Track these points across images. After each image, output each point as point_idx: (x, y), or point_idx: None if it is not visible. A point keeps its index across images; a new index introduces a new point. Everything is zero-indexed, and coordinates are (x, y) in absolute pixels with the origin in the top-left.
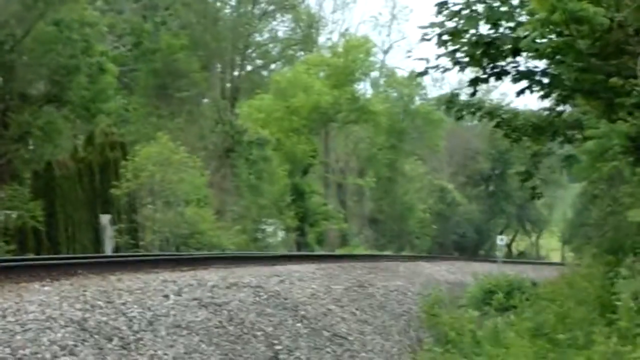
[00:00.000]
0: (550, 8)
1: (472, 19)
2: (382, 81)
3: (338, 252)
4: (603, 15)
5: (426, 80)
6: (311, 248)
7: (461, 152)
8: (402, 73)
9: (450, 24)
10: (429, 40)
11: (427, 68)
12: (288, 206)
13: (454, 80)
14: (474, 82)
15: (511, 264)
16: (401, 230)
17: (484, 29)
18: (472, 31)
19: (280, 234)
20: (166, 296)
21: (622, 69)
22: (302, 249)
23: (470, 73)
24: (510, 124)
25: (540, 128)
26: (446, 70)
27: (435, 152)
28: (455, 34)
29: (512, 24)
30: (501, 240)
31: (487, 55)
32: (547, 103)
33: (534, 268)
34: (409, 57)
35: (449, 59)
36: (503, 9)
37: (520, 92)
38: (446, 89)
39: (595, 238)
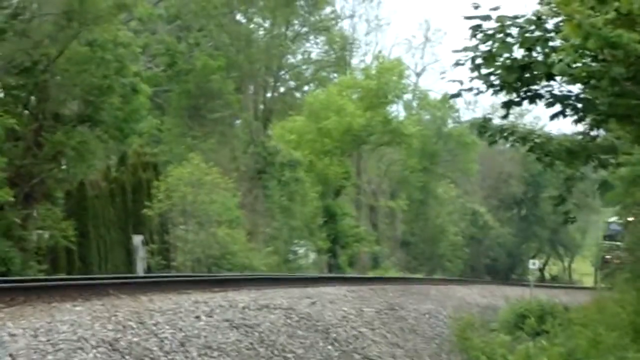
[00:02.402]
0: (584, 34)
1: (506, 44)
2: (414, 104)
3: (370, 274)
4: (637, 41)
5: (459, 102)
6: (343, 270)
7: (494, 176)
8: (435, 95)
9: (484, 47)
10: (462, 64)
11: (460, 90)
12: (320, 228)
13: (487, 102)
14: (507, 105)
15: (543, 288)
16: (433, 253)
17: (518, 53)
18: (506, 55)
19: (312, 256)
20: (197, 317)
21: None
22: (334, 271)
23: (503, 96)
24: (543, 148)
25: (574, 152)
26: (479, 92)
27: (468, 175)
28: (488, 58)
29: (546, 49)
30: (533, 264)
31: (520, 79)
32: (580, 127)
33: (567, 292)
34: (442, 78)
35: (482, 82)
36: (537, 33)
37: (554, 116)
38: (479, 112)
39: (629, 263)
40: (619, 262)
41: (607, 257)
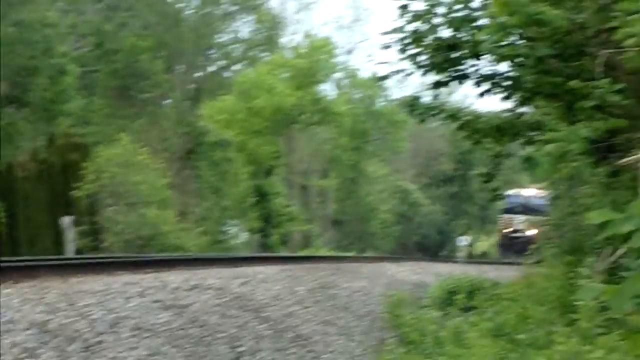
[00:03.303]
0: (510, 12)
1: (433, 25)
2: (345, 82)
3: (301, 253)
4: (563, 18)
5: (389, 81)
6: (274, 249)
7: (424, 154)
8: (365, 74)
9: (412, 27)
10: (389, 47)
11: (389, 73)
12: (251, 208)
13: (418, 80)
14: (436, 85)
15: (473, 265)
16: (364, 232)
17: (445, 32)
18: (433, 35)
19: (244, 236)
20: (128, 298)
21: (582, 71)
22: (266, 251)
23: (432, 76)
24: (472, 126)
25: (502, 130)
26: (408, 74)
27: (398, 154)
28: (416, 38)
29: (473, 28)
30: (463, 241)
31: (448, 60)
32: (508, 105)
33: (496, 268)
34: (370, 61)
35: (410, 62)
36: (463, 12)
37: (482, 94)
38: (409, 90)
39: (556, 238)
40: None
41: (506, 231)
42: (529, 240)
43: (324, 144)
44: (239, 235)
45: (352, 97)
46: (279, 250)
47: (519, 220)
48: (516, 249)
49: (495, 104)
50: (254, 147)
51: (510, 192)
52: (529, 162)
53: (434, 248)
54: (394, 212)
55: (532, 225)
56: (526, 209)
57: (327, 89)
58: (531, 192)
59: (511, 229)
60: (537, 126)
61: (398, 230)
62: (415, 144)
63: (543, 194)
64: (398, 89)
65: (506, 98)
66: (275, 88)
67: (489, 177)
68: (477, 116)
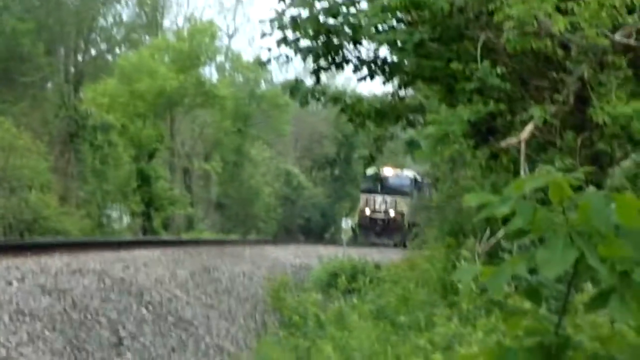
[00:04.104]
0: None
1: (312, 15)
2: (227, 66)
3: (184, 237)
4: (443, 0)
5: (272, 64)
6: (157, 233)
7: (307, 137)
8: (247, 57)
9: (292, 12)
10: (269, 35)
11: (270, 58)
12: (133, 191)
13: (300, 64)
14: (316, 71)
15: (356, 247)
16: (247, 215)
17: (326, 18)
18: (313, 21)
19: (126, 219)
20: (9, 282)
21: (463, 54)
22: (148, 234)
23: (311, 62)
24: (354, 109)
25: (383, 112)
26: (288, 60)
27: (282, 137)
28: (295, 25)
29: (351, 13)
30: (346, 223)
31: (327, 45)
32: (390, 88)
33: (380, 251)
34: (250, 46)
35: (290, 48)
36: None
37: (362, 79)
38: (292, 73)
39: (437, 221)
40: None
41: (367, 211)
42: (390, 221)
43: (207, 127)
44: (121, 219)
45: (235, 80)
46: (161, 234)
47: (378, 200)
48: (377, 231)
49: (377, 86)
50: (137, 131)
51: (369, 171)
52: (411, 145)
53: (317, 231)
54: (277, 195)
55: (393, 205)
56: (386, 189)
57: (210, 73)
58: (390, 172)
59: (371, 210)
60: (418, 109)
61: (281, 214)
62: (298, 127)
63: (405, 174)
64: (281, 72)
65: (387, 81)
66: (157, 71)
67: (370, 160)
68: (359, 99)
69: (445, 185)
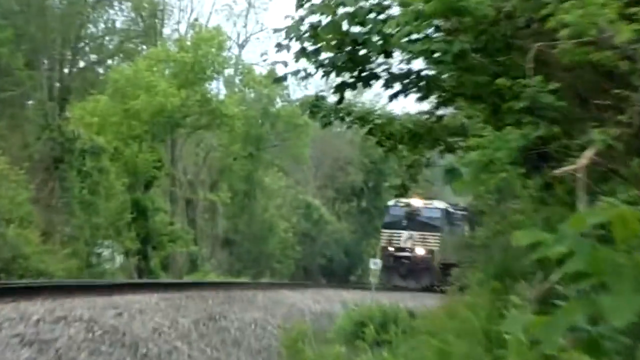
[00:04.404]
0: None
1: (335, 21)
2: (237, 80)
3: (186, 279)
4: (488, 5)
5: (289, 79)
6: (155, 275)
7: (330, 163)
8: (260, 70)
9: (312, 20)
10: (286, 47)
11: (286, 74)
12: (128, 226)
13: (322, 78)
14: (340, 88)
15: (387, 292)
16: (260, 253)
17: (351, 26)
18: (336, 29)
19: (119, 259)
20: None
21: (511, 67)
22: (144, 276)
23: (335, 78)
24: (384, 130)
25: (418, 135)
26: (308, 75)
27: (300, 163)
28: (315, 34)
29: (380, 20)
30: (375, 264)
31: (353, 58)
32: (426, 107)
33: (413, 296)
34: (264, 60)
35: (310, 62)
36: (371, 1)
37: (394, 96)
38: (312, 89)
39: (481, 261)
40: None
41: (390, 249)
42: (418, 260)
43: (214, 152)
44: (113, 258)
45: (246, 97)
46: (159, 275)
47: (405, 236)
48: (401, 272)
49: (411, 105)
50: (132, 155)
51: (391, 202)
52: (450, 173)
53: (341, 272)
54: (295, 231)
55: (421, 242)
56: (413, 223)
57: (217, 88)
58: (418, 203)
59: (395, 247)
60: (460, 131)
61: (300, 252)
62: (319, 151)
63: (436, 206)
64: (300, 88)
65: (422, 99)
66: (156, 86)
67: (403, 190)
68: (390, 119)
69: (490, 220)
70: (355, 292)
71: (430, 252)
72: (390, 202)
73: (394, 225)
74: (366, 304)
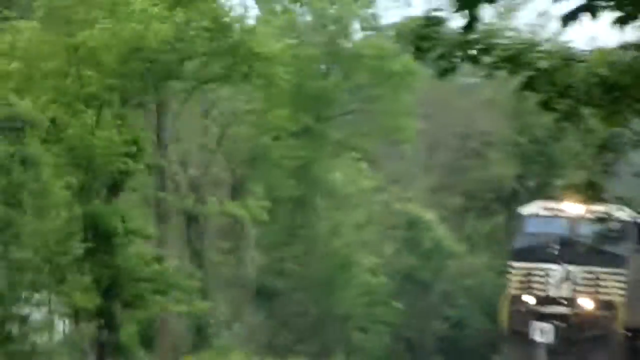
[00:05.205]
0: None
1: None
2: None
3: None
4: None
5: None
6: (128, 354)
7: (452, 144)
8: None
9: None
10: None
11: None
12: (77, 264)
13: None
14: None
15: None
16: (326, 315)
17: None
18: None
19: (62, 326)
20: None
21: None
22: (108, 357)
23: None
24: (555, 81)
25: (619, 89)
26: None
27: (399, 144)
28: None
29: None
30: (542, 332)
31: None
32: (631, 35)
33: None
34: None
35: None
36: None
37: (572, 17)
38: (417, 7)
39: None
40: None
41: (526, 299)
42: (582, 319)
43: (236, 125)
44: (50, 325)
45: (297, 21)
46: (137, 355)
47: (557, 275)
48: (549, 339)
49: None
50: (83, 134)
51: (529, 210)
52: None
53: (475, 346)
54: (390, 271)
55: (588, 286)
56: (571, 250)
57: (243, 4)
58: (577, 211)
59: (537, 296)
60: None
61: (401, 312)
62: (433, 122)
63: (616, 218)
64: (396, 4)
65: (627, 20)
66: (129, 3)
67: (592, 191)
68: (568, 60)
69: None
70: None
71: (609, 306)
72: (528, 209)
73: (534, 253)
74: None
